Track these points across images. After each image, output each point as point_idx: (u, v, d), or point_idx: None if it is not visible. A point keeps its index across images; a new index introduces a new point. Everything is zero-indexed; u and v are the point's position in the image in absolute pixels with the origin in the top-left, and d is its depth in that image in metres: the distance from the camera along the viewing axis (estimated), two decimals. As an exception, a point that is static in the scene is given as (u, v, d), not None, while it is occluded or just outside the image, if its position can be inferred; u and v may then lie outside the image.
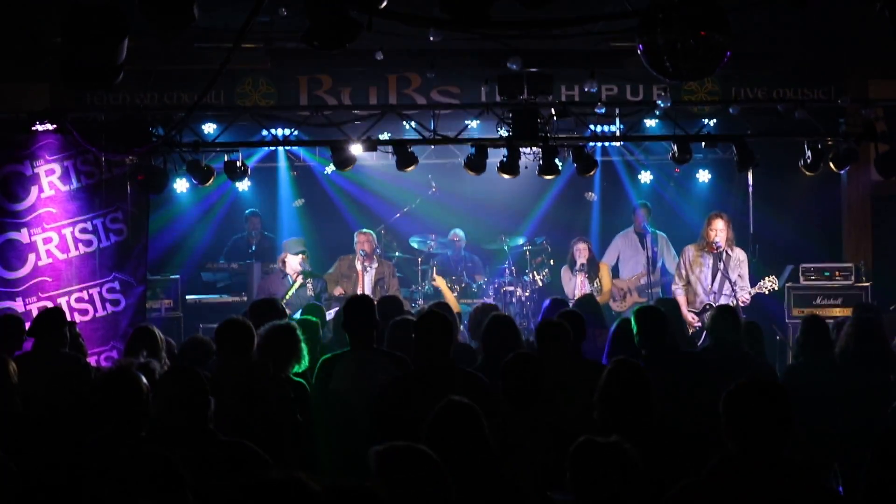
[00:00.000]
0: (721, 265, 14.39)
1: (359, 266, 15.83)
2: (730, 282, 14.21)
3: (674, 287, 14.90)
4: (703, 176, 18.35)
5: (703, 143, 15.25)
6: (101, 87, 13.62)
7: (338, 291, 15.53)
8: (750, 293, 14.45)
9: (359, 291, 15.33)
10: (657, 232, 16.77)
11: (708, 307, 13.98)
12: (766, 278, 14.58)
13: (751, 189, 17.36)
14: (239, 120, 14.67)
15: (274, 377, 8.09)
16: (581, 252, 16.06)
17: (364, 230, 16.15)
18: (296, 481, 4.17)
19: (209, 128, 15.20)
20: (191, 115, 13.50)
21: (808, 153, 14.52)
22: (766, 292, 14.67)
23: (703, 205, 18.52)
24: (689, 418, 7.34)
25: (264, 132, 15.06)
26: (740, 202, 17.53)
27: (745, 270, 14.66)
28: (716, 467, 5.42)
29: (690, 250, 14.73)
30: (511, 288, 16.65)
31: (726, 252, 14.49)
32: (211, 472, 5.66)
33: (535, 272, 16.83)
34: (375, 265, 15.91)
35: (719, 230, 14.41)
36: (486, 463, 5.83)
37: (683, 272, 14.76)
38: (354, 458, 6.63)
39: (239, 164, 14.59)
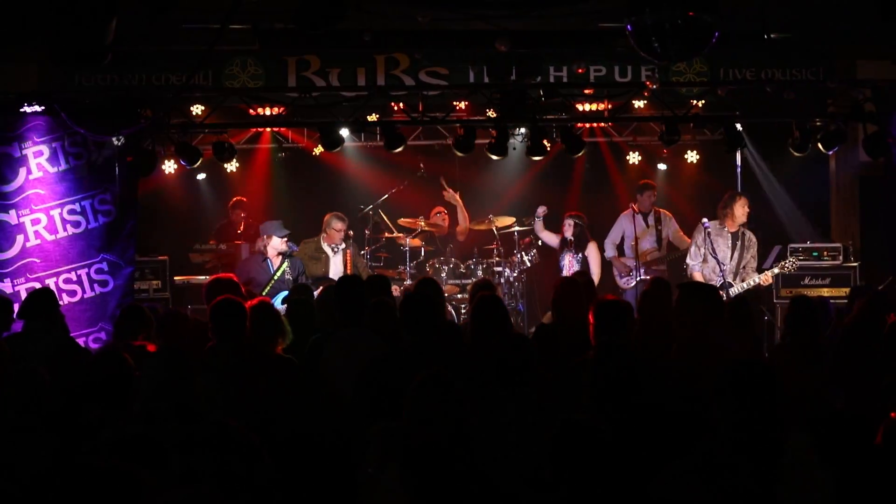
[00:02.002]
0: (738, 244, 14.58)
1: (326, 248, 15.84)
2: (743, 261, 14.61)
3: (691, 263, 14.98)
4: (692, 157, 18.36)
5: (692, 124, 15.27)
6: (90, 68, 13.67)
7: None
8: (770, 273, 14.67)
9: (332, 274, 15.37)
10: (660, 212, 16.88)
11: (728, 284, 14.25)
12: (788, 258, 14.75)
13: (739, 170, 17.43)
14: (227, 101, 14.63)
15: (263, 355, 8.10)
16: (567, 228, 16.13)
17: (336, 213, 16.12)
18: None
19: (197, 109, 15.17)
20: (179, 96, 13.48)
21: (797, 134, 14.50)
22: (787, 272, 14.94)
23: (692, 186, 18.59)
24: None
25: (252, 113, 15.05)
26: (728, 183, 17.56)
27: (758, 251, 14.93)
28: (706, 446, 5.45)
29: (709, 227, 14.76)
30: (499, 269, 16.67)
31: (741, 231, 14.74)
32: (198, 453, 5.67)
33: (522, 253, 16.84)
34: (343, 247, 15.89)
35: (745, 209, 14.70)
36: (458, 440, 5.85)
37: (702, 249, 14.83)
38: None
39: (227, 145, 14.56)
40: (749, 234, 14.76)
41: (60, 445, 6.38)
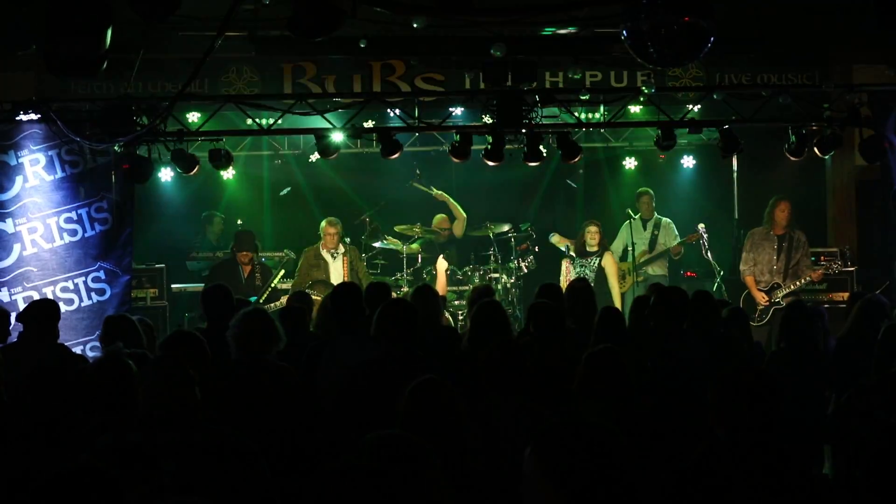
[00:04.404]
0: (786, 246, 15.04)
1: (325, 254, 15.88)
2: (792, 262, 15.13)
3: (742, 268, 15.48)
4: (688, 162, 18.39)
5: (688, 129, 15.28)
6: (86, 76, 13.67)
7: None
8: (817, 272, 15.20)
9: (332, 280, 15.40)
10: (661, 218, 16.96)
11: (776, 286, 15.03)
12: (830, 261, 15.25)
13: (735, 175, 17.45)
14: (223, 108, 14.63)
15: (258, 363, 8.09)
16: (590, 235, 16.19)
17: (329, 218, 16.16)
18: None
19: (193, 116, 15.18)
20: (175, 103, 13.49)
21: (793, 138, 14.52)
22: (832, 273, 15.48)
23: (688, 191, 18.62)
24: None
25: (248, 120, 15.05)
26: (725, 188, 17.60)
27: (807, 251, 15.37)
28: (703, 452, 5.45)
29: (756, 233, 15.42)
30: (496, 275, 16.66)
31: (790, 234, 15.19)
32: (197, 461, 5.68)
33: (520, 259, 16.85)
34: (342, 252, 15.93)
35: (788, 212, 15.20)
36: (454, 445, 5.85)
37: (750, 254, 15.39)
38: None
39: (223, 152, 14.56)
40: (797, 236, 15.25)
41: (56, 454, 6.38)
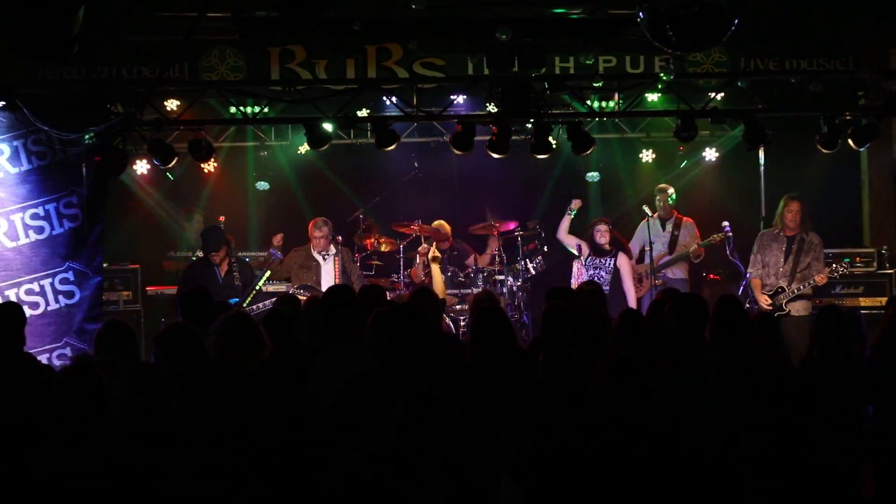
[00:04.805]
0: (795, 248, 15.01)
1: (317, 255, 15.91)
2: (801, 265, 15.06)
3: (750, 270, 15.48)
4: (710, 154, 18.39)
5: (710, 119, 15.30)
6: (55, 59, 13.68)
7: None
8: (821, 276, 15.07)
9: (323, 283, 15.44)
10: (682, 216, 16.96)
11: (780, 290, 15.00)
12: (838, 263, 15.15)
13: (762, 168, 17.44)
14: (204, 95, 14.65)
15: (239, 373, 8.11)
16: (599, 234, 16.11)
17: (316, 219, 16.19)
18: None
19: (172, 104, 15.20)
20: (152, 90, 13.51)
21: (825, 129, 14.52)
22: (838, 276, 15.42)
23: (711, 186, 18.60)
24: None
25: (231, 109, 15.08)
26: (750, 183, 17.60)
27: (820, 254, 15.27)
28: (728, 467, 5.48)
29: (765, 234, 15.44)
30: (501, 277, 16.67)
31: (801, 236, 15.14)
32: (175, 478, 5.71)
33: (527, 260, 16.85)
34: (333, 252, 15.96)
35: (795, 212, 15.10)
36: (453, 462, 5.89)
37: (758, 256, 15.40)
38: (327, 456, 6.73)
39: (204, 143, 14.56)
40: (810, 238, 15.18)
41: (21, 466, 6.42)
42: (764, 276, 15.24)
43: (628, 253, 16.26)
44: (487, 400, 7.26)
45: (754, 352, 9.25)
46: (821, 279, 14.92)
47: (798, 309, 14.95)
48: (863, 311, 13.74)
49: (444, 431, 5.94)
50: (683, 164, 18.60)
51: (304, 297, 13.36)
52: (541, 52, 14.27)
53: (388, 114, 15.24)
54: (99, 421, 6.47)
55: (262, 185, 18.82)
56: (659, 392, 7.61)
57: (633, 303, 15.76)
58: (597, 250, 16.08)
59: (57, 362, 13.11)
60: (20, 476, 6.23)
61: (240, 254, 16.45)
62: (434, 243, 16.58)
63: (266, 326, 9.31)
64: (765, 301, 14.95)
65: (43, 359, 12.56)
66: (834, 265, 15.09)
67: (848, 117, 14.70)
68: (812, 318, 14.73)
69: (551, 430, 6.84)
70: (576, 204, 16.70)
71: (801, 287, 14.88)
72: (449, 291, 16.38)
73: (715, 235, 16.32)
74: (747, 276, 15.41)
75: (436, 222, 17.39)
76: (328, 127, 14.51)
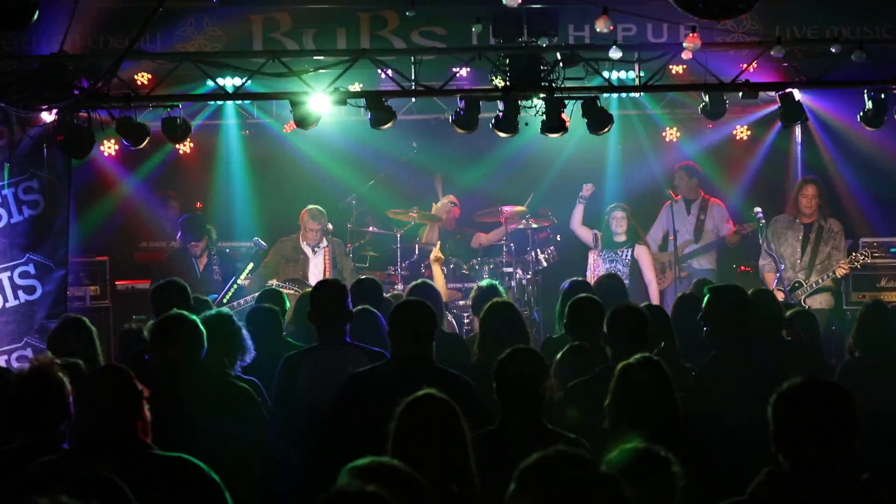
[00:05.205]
0: (812, 237, 14.81)
1: (306, 247, 15.86)
2: (820, 256, 15.10)
3: (762, 263, 15.51)
4: (741, 133, 18.31)
5: (741, 94, 15.19)
6: (14, 27, 13.58)
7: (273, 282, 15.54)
8: (842, 267, 15.00)
9: (311, 277, 15.39)
10: (709, 199, 16.88)
11: (797, 284, 14.97)
12: (856, 253, 14.97)
13: (799, 148, 17.37)
14: (179, 68, 14.54)
15: (217, 380, 8.04)
16: (615, 222, 16.03)
17: (311, 206, 16.13)
18: None
19: (143, 78, 15.10)
20: (121, 62, 13.40)
21: (869, 104, 14.45)
22: (859, 266, 15.23)
23: (741, 168, 18.53)
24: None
25: (210, 83, 14.98)
26: (786, 164, 17.53)
27: (841, 243, 15.28)
28: (762, 486, 5.37)
29: (779, 220, 15.38)
30: (510, 269, 16.60)
31: (819, 223, 15.12)
32: (145, 493, 5.61)
33: (537, 250, 16.78)
34: (324, 244, 15.91)
35: (811, 198, 14.94)
36: (461, 476, 5.80)
37: (771, 245, 15.36)
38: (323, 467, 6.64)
39: (179, 121, 14.47)
40: (828, 225, 15.20)
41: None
42: (777, 268, 15.10)
43: (646, 242, 16.19)
44: (498, 406, 7.16)
45: (793, 352, 9.18)
46: (841, 271, 14.85)
47: (820, 302, 14.92)
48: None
49: (446, 443, 5.84)
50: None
51: (291, 292, 13.30)
52: (553, 19, 14.18)
53: (383, 88, 15.13)
54: (59, 431, 6.39)
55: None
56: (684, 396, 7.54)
57: (654, 297, 15.69)
58: (611, 241, 16.03)
59: (16, 364, 13.05)
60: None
61: (220, 244, 16.36)
62: (438, 244, 16.51)
63: (249, 325, 9.24)
64: (779, 297, 14.76)
65: (1, 361, 12.49)
66: (854, 254, 15.03)
67: (894, 90, 14.60)
68: (832, 312, 14.84)
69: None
70: (588, 189, 16.66)
71: (822, 280, 14.81)
72: (451, 285, 16.32)
73: (746, 224, 16.24)
74: (780, 268, 15.19)
75: (442, 199, 17.37)
76: (317, 103, 14.38)
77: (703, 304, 9.00)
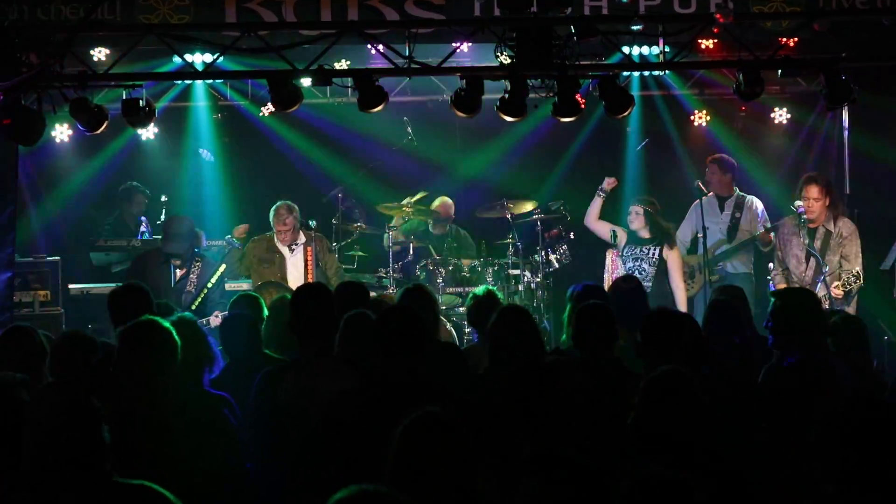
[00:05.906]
0: (818, 245, 14.72)
1: (281, 246, 15.90)
2: (829, 267, 14.89)
3: (772, 272, 15.44)
4: (780, 115, 18.34)
5: (780, 72, 15.20)
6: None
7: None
8: (835, 291, 14.78)
9: (290, 279, 15.43)
10: (744, 195, 16.86)
11: None
12: (848, 272, 14.82)
13: (846, 133, 17.40)
14: (142, 43, 14.55)
15: (190, 393, 8.06)
16: (633, 218, 16.01)
17: (278, 203, 16.20)
18: None
19: (101, 54, 15.12)
20: (75, 36, 13.42)
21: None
22: (853, 290, 15.03)
23: (781, 156, 18.55)
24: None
25: (176, 59, 14.99)
26: (831, 152, 17.55)
27: (852, 250, 15.11)
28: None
29: (786, 224, 15.31)
30: (516, 272, 16.63)
31: (825, 228, 15.00)
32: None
33: (548, 250, 16.80)
34: (303, 241, 15.95)
35: (812, 199, 14.76)
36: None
37: (778, 252, 15.39)
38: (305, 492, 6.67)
39: (142, 103, 14.48)
40: (839, 229, 15.03)
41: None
42: (787, 278, 15.15)
43: (676, 243, 16.16)
44: (506, 422, 7.20)
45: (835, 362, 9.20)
46: (836, 291, 14.63)
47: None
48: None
49: (451, 467, 5.87)
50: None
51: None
52: (566, -12, 14.22)
53: (373, 66, 15.15)
54: (10, 456, 6.41)
55: (207, 156, 18.74)
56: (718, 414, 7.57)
57: (682, 304, 15.69)
58: (636, 237, 16.01)
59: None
60: None
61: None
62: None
63: (222, 335, 9.26)
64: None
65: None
66: (844, 277, 14.85)
67: (954, 69, 14.67)
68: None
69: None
70: (609, 183, 16.64)
71: (825, 298, 14.53)
72: (450, 290, 16.34)
73: (787, 219, 16.22)
74: (824, 271, 15.13)
75: (437, 200, 17.39)
76: (299, 83, 14.41)
77: (771, 311, 9.06)
